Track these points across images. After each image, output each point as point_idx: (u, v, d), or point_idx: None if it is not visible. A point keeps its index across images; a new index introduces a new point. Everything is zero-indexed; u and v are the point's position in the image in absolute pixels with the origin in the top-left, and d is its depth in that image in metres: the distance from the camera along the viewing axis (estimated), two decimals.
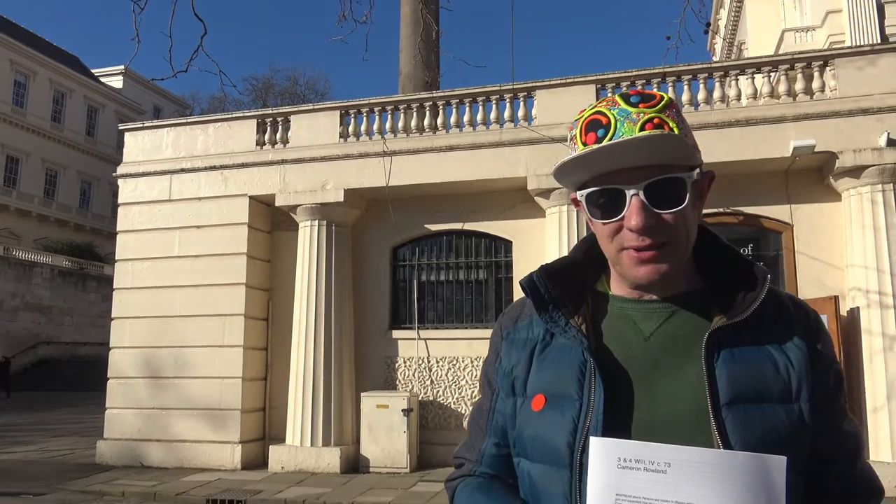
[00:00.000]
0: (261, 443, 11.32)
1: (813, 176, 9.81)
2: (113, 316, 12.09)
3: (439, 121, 11.05)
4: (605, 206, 1.13)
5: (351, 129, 11.37)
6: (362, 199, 11.35)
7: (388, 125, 11.20)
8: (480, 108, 10.87)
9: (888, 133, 8.92)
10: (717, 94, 9.92)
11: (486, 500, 1.21)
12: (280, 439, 10.96)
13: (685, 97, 10.03)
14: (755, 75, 9.95)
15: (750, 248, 10.13)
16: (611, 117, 1.10)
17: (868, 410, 8.75)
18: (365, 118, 11.38)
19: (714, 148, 9.57)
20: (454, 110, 11.03)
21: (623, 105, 1.11)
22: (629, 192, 1.10)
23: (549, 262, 1.28)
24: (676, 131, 1.10)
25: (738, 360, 1.11)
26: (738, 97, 9.89)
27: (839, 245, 9.53)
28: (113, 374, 11.81)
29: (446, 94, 11.17)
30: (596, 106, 1.15)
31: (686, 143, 1.11)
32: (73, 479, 10.29)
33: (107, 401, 11.80)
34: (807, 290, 9.60)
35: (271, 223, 12.04)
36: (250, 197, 11.51)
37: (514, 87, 10.67)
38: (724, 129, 9.59)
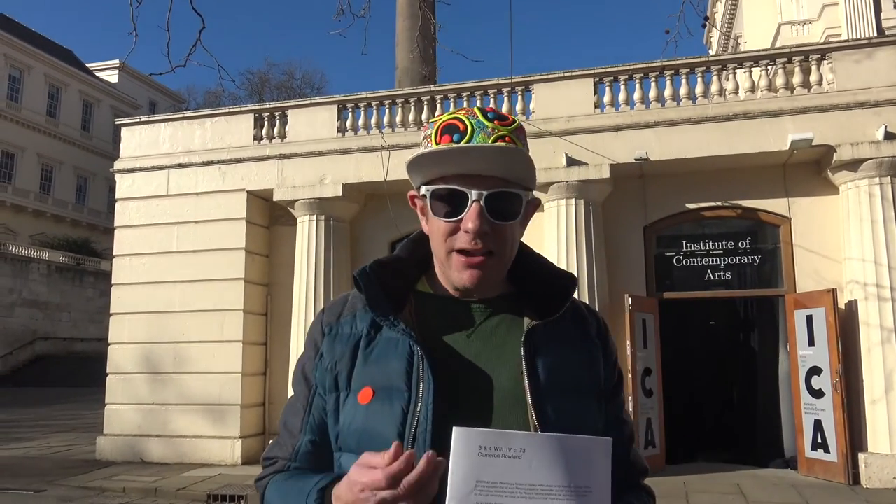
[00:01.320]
0: (261, 438, 11.33)
1: (811, 169, 9.83)
2: (111, 311, 12.08)
3: (437, 114, 11.01)
4: (447, 205, 1.21)
5: (349, 123, 11.35)
6: (361, 194, 11.35)
7: (385, 119, 11.19)
8: (478, 102, 10.86)
9: (885, 126, 8.94)
10: (714, 87, 9.93)
11: (300, 480, 1.20)
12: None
13: (683, 91, 10.03)
14: (753, 69, 9.95)
15: (748, 242, 10.16)
16: (468, 125, 1.19)
17: (866, 403, 8.79)
18: (363, 112, 11.36)
19: (712, 142, 9.60)
20: (452, 105, 11.03)
21: (480, 117, 1.20)
22: (472, 196, 1.18)
23: (379, 258, 1.33)
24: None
25: (551, 355, 1.23)
26: (736, 91, 9.90)
27: (837, 238, 9.56)
28: (112, 370, 11.81)
29: (444, 88, 11.17)
30: (454, 113, 1.23)
31: (531, 164, 1.22)
32: (73, 475, 10.30)
33: (106, 396, 11.81)
34: (805, 283, 9.64)
35: (269, 218, 12.03)
36: (248, 192, 11.50)
37: (512, 81, 10.67)
38: (722, 123, 9.61)
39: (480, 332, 1.25)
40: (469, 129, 1.18)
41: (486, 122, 1.19)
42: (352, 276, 1.30)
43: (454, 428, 1.01)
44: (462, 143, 1.17)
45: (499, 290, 1.29)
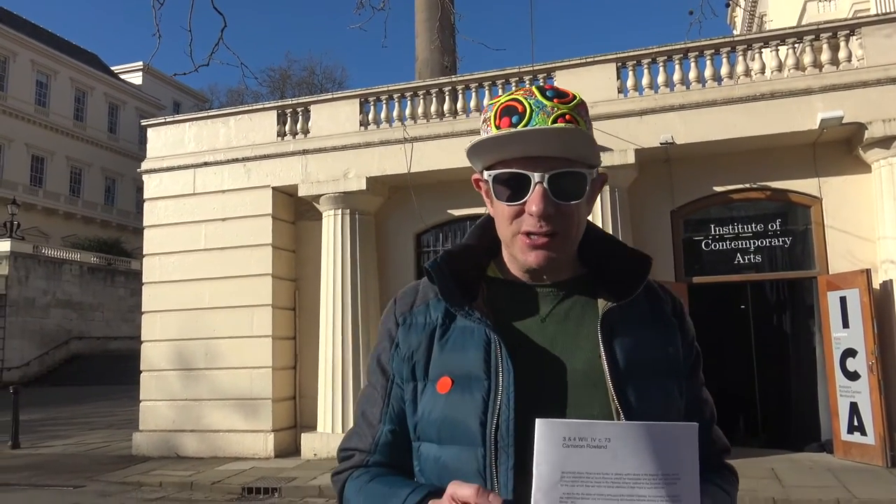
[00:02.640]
0: (293, 431, 11.45)
1: (841, 148, 9.64)
2: (143, 310, 12.26)
3: (459, 105, 11.01)
4: (510, 189, 1.19)
5: (371, 116, 11.37)
6: (384, 187, 11.37)
7: (407, 112, 11.18)
8: (500, 91, 10.81)
9: None
10: (740, 67, 9.77)
11: (386, 487, 1.20)
12: (311, 427, 11.07)
13: (708, 72, 9.88)
14: (779, 47, 9.78)
15: (778, 224, 10.00)
16: (526, 106, 1.17)
17: None
18: (384, 105, 11.37)
19: (738, 123, 9.45)
20: (473, 94, 10.99)
21: (539, 97, 1.18)
22: (535, 179, 1.16)
23: (449, 248, 1.32)
24: (584, 128, 1.18)
25: (628, 336, 1.21)
26: (763, 70, 9.73)
27: (870, 217, 9.37)
28: (146, 367, 12.00)
29: (465, 78, 11.13)
30: (512, 94, 1.20)
31: (593, 141, 1.19)
32: (110, 471, 10.50)
33: (141, 393, 12.01)
34: (837, 264, 9.47)
35: (295, 213, 12.11)
36: (273, 188, 11.58)
37: (534, 68, 10.60)
38: (749, 104, 9.45)
39: (554, 316, 1.24)
40: (528, 110, 1.16)
41: (545, 101, 1.17)
42: (423, 268, 1.30)
43: (537, 420, 1.01)
44: (521, 126, 1.15)
45: (570, 272, 1.28)
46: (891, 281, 8.86)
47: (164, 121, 13.02)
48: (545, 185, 1.16)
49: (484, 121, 1.22)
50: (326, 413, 10.71)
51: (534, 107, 1.16)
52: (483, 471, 1.12)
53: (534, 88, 1.20)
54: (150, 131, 12.81)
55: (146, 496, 9.10)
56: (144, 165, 12.58)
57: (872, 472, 8.34)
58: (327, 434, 10.63)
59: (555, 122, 1.15)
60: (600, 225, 9.71)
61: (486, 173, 1.23)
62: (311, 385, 11.32)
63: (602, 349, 1.18)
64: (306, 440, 10.80)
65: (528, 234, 1.19)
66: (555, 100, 1.17)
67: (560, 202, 1.17)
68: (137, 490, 9.46)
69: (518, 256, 1.22)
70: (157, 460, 11.19)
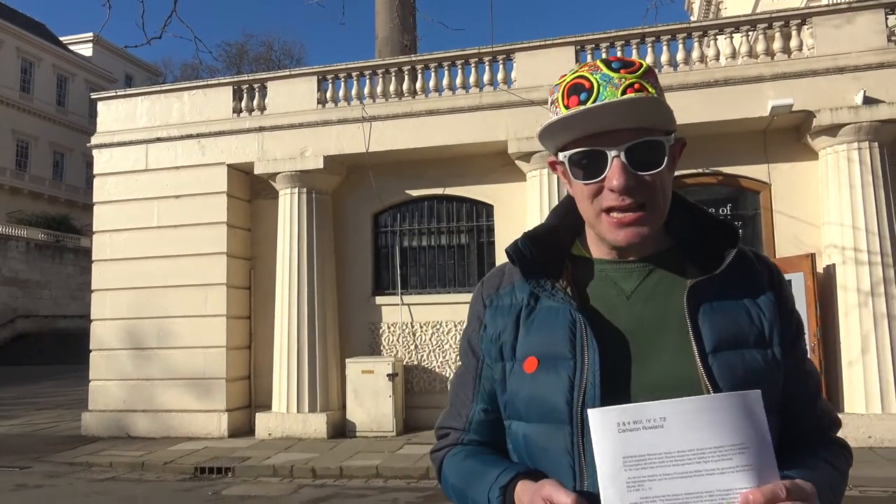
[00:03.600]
0: (247, 411, 11.38)
1: (790, 135, 9.89)
2: (93, 288, 11.99)
3: (418, 85, 10.95)
4: (586, 168, 1.16)
5: (329, 94, 11.24)
6: (342, 166, 11.28)
7: (366, 90, 11.09)
8: (460, 71, 10.78)
9: (864, 91, 8.99)
10: (695, 54, 9.92)
11: (481, 465, 1.23)
12: (266, 407, 11.02)
13: (664, 58, 10.01)
14: (733, 35, 9.94)
15: (728, 208, 10.23)
16: (593, 81, 1.13)
17: (843, 364, 8.96)
18: (343, 84, 11.25)
19: (693, 108, 9.60)
20: (433, 74, 10.94)
21: (605, 70, 1.14)
22: (611, 154, 1.13)
23: (529, 229, 1.32)
24: (655, 95, 1.14)
25: (716, 311, 1.18)
26: (717, 57, 9.89)
27: (816, 203, 9.66)
28: (95, 346, 11.77)
29: (424, 57, 11.07)
30: (577, 71, 1.18)
31: (666, 107, 1.15)
32: (59, 452, 10.31)
33: (90, 373, 11.77)
34: (784, 248, 9.75)
35: (251, 191, 11.94)
36: (228, 165, 11.40)
37: (494, 49, 10.59)
38: (703, 90, 9.62)
39: (640, 292, 1.22)
40: (595, 85, 1.13)
41: (612, 74, 1.14)
42: (505, 252, 1.29)
43: (588, 411, 1.02)
44: (590, 103, 1.12)
45: (656, 246, 1.25)
46: (833, 265, 9.17)
47: (115, 94, 12.66)
48: (622, 157, 1.13)
49: (552, 102, 1.20)
50: (281, 393, 10.66)
51: (600, 81, 1.13)
52: (571, 449, 1.13)
53: (598, 62, 1.17)
54: (100, 105, 12.46)
55: (96, 476, 8.96)
56: (94, 140, 12.25)
57: None
58: (282, 414, 10.60)
59: (623, 93, 1.12)
60: (557, 201, 9.83)
61: (560, 155, 1.20)
62: (265, 365, 11.25)
63: (689, 325, 1.16)
64: (261, 420, 10.75)
65: (610, 210, 1.16)
66: (621, 70, 1.14)
67: (640, 173, 1.14)
68: (87, 470, 9.31)
69: (607, 236, 1.19)
70: (108, 440, 11.02)
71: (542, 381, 1.18)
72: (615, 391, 1.11)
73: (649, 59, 10.03)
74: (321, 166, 10.84)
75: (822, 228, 9.55)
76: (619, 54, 10.12)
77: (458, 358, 11.01)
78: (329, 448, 9.70)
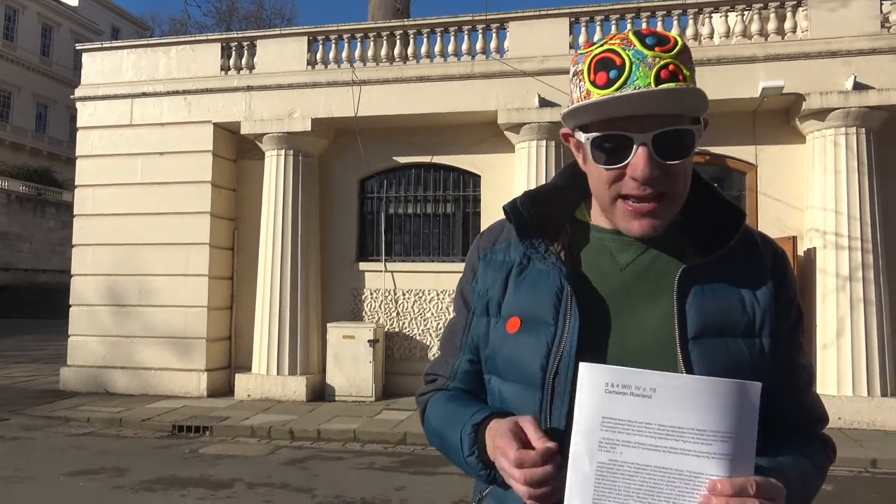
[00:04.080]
0: (227, 371, 11.40)
1: (779, 117, 9.90)
2: (74, 243, 11.89)
3: (409, 50, 10.83)
4: (609, 152, 1.10)
5: (319, 56, 11.09)
6: (330, 130, 11.18)
7: (357, 53, 10.95)
8: (452, 38, 10.66)
9: (855, 76, 9.01)
10: (689, 31, 9.86)
11: (460, 407, 1.24)
12: (246, 368, 11.04)
13: None
14: (729, 13, 9.89)
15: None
16: (625, 58, 1.06)
17: (818, 347, 9.10)
18: (333, 45, 11.09)
19: None
20: (425, 40, 10.82)
21: (638, 46, 1.07)
22: (637, 141, 1.08)
23: (532, 188, 1.29)
24: (689, 79, 1.09)
25: (707, 296, 1.14)
26: (711, 35, 9.85)
27: (800, 186, 9.72)
28: (75, 302, 11.70)
29: (417, 22, 10.93)
30: (607, 42, 1.10)
31: (702, 95, 1.09)
32: (36, 405, 10.30)
33: (70, 328, 11.72)
34: (767, 230, 9.73)
35: (237, 151, 11.82)
36: (215, 124, 11.26)
37: (487, 17, 10.47)
38: (696, 68, 9.54)
39: (636, 266, 1.18)
40: (626, 62, 1.05)
41: (645, 51, 1.06)
42: (502, 209, 1.26)
43: (580, 364, 1.00)
44: (619, 83, 1.05)
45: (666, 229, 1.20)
46: (814, 249, 9.26)
47: (100, 46, 12.41)
48: (650, 146, 1.07)
49: (575, 73, 1.12)
50: (262, 354, 10.68)
51: (633, 59, 1.05)
52: (539, 413, 1.13)
53: (631, 35, 1.09)
54: (85, 56, 12.21)
55: (73, 431, 8.97)
56: (78, 92, 12.04)
57: None
58: (262, 375, 10.63)
59: (657, 74, 1.04)
60: (545, 180, 9.82)
61: (582, 135, 1.13)
62: (247, 326, 11.24)
63: (675, 307, 1.12)
64: (240, 381, 10.78)
65: (627, 197, 1.11)
66: (656, 48, 1.06)
67: (666, 162, 1.09)
68: (64, 425, 9.32)
69: (620, 224, 1.15)
70: (86, 396, 11.01)
71: (522, 343, 1.17)
72: (589, 362, 1.10)
73: None
74: (309, 129, 10.73)
75: (805, 212, 9.62)
76: (613, 28, 10.05)
77: (439, 327, 11.14)
78: (308, 411, 9.75)
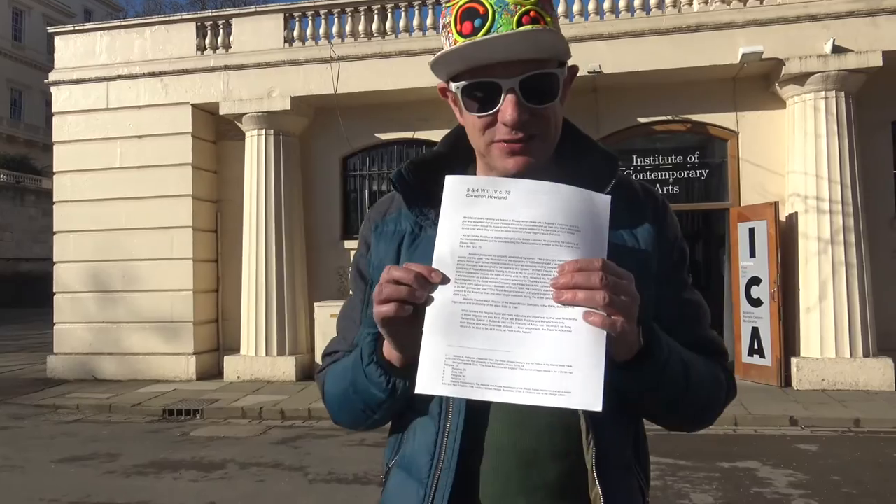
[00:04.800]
0: (215, 354, 11.39)
1: (759, 83, 9.91)
2: (55, 230, 11.77)
3: (388, 25, 10.71)
4: (480, 99, 1.15)
5: (296, 33, 10.95)
6: (310, 108, 11.08)
7: (335, 30, 10.82)
8: (430, 12, 10.54)
9: (834, 40, 9.01)
10: None
11: (347, 359, 1.25)
12: (234, 350, 11.03)
13: (637, 2, 9.88)
14: None
15: (697, 156, 10.30)
16: (487, 7, 1.10)
17: (801, 311, 9.21)
18: (311, 22, 10.96)
19: (664, 54, 9.56)
20: (403, 14, 10.70)
21: None
22: (505, 86, 1.12)
23: (417, 156, 1.30)
24: (551, 24, 1.12)
25: None
26: (690, 2, 9.80)
27: (782, 152, 9.76)
28: (59, 289, 11.61)
29: None
30: None
31: (561, 38, 1.14)
32: (25, 394, 10.27)
33: (55, 316, 11.64)
34: (749, 196, 9.88)
35: (216, 133, 11.70)
36: (193, 105, 11.12)
37: None
38: (675, 35, 9.55)
39: None
40: (489, 11, 1.09)
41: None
42: (388, 179, 1.27)
43: (447, 177, 1.07)
44: (484, 30, 1.09)
45: (543, 175, 1.20)
46: (796, 213, 9.32)
47: (73, 29, 12.20)
48: (517, 90, 1.12)
49: (444, 26, 1.16)
50: (249, 336, 10.67)
51: (495, 7, 1.09)
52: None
53: None
54: (58, 40, 12.00)
55: (63, 418, 8.96)
56: (52, 77, 11.84)
57: (768, 392, 8.97)
58: (250, 357, 10.63)
59: (519, 20, 1.09)
60: None
61: (452, 85, 1.18)
62: (233, 308, 11.21)
63: None
64: (229, 363, 10.77)
65: (502, 140, 1.16)
66: None
67: (534, 106, 1.13)
68: (53, 412, 9.30)
69: (497, 164, 1.18)
70: (74, 383, 10.98)
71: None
72: None
73: (622, 3, 9.90)
74: (288, 107, 10.62)
75: (786, 177, 9.67)
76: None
77: None
78: (298, 390, 9.78)
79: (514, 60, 1.11)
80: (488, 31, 1.09)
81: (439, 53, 1.13)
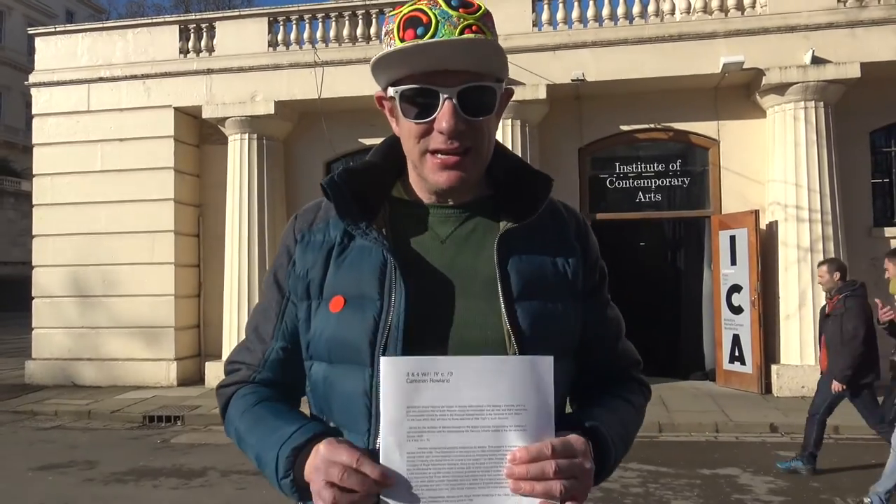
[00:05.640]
0: (196, 360, 11.30)
1: (740, 93, 10.02)
2: (34, 233, 11.63)
3: (372, 30, 10.72)
4: (418, 106, 1.14)
5: (280, 37, 10.93)
6: (294, 112, 11.05)
7: (319, 34, 10.81)
8: None
9: (813, 50, 9.13)
10: (651, 7, 9.91)
11: (270, 415, 1.20)
12: (216, 356, 10.95)
13: (620, 10, 9.97)
14: None
15: (678, 164, 10.39)
16: (431, 16, 1.11)
17: (781, 318, 9.31)
18: (295, 26, 10.94)
19: (646, 63, 9.64)
20: (375, 58, 10.68)
21: (444, 6, 1.12)
22: (443, 95, 1.12)
23: (350, 164, 1.28)
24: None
25: (524, 260, 1.20)
26: (673, 12, 9.90)
27: (762, 161, 9.86)
28: (38, 294, 11.47)
29: (379, 1, 10.79)
30: (415, 3, 1.14)
31: (501, 53, 1.15)
32: (2, 400, 10.12)
33: (33, 320, 11.50)
34: (730, 204, 9.97)
35: (199, 136, 11.64)
36: (175, 108, 11.06)
37: None
38: (658, 44, 9.63)
39: (455, 237, 1.22)
40: (433, 20, 1.10)
41: (451, 11, 1.11)
42: (320, 185, 1.24)
43: (381, 358, 1.02)
44: (426, 38, 1.09)
45: (475, 193, 1.25)
46: (776, 222, 9.43)
47: (54, 30, 12.10)
48: (455, 100, 1.12)
49: (386, 33, 1.16)
50: (232, 342, 10.59)
51: (439, 17, 1.10)
52: (369, 391, 1.11)
53: None
54: (38, 41, 11.89)
55: (41, 425, 8.85)
56: (32, 78, 11.73)
57: (748, 399, 9.04)
58: None
59: (461, 33, 1.09)
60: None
61: (391, 90, 1.17)
62: (215, 313, 11.14)
63: (497, 270, 1.17)
64: (211, 369, 10.69)
65: (436, 152, 1.15)
66: (460, 9, 1.12)
67: (470, 118, 1.13)
68: (31, 419, 9.18)
69: (428, 177, 1.18)
70: (53, 389, 10.85)
71: (347, 322, 1.15)
72: (420, 335, 1.11)
73: (605, 11, 9.99)
74: (272, 112, 10.59)
75: (766, 185, 9.77)
76: (576, 5, 10.06)
77: None
78: None
79: (453, 70, 1.12)
80: (431, 38, 1.09)
81: (382, 53, 1.13)
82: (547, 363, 1.03)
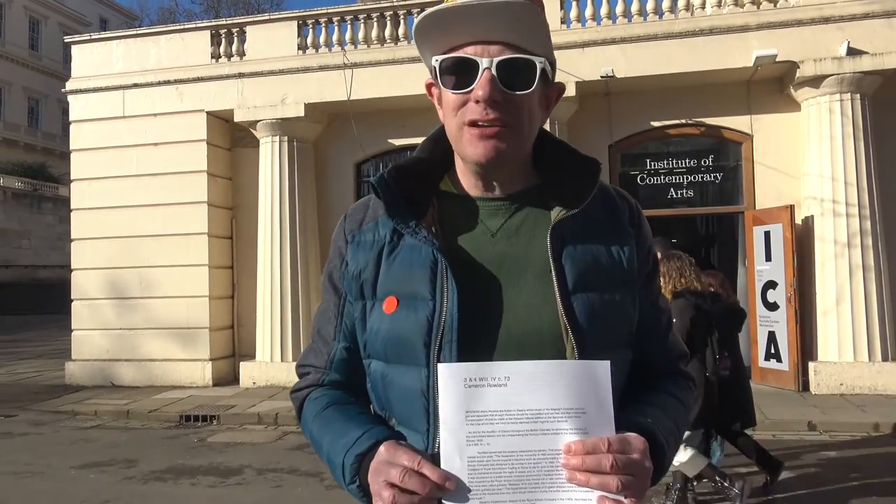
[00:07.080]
0: (231, 360, 11.45)
1: (774, 86, 9.86)
2: (72, 237, 11.90)
3: (401, 31, 10.76)
4: (457, 76, 1.14)
5: (309, 40, 11.03)
6: (324, 114, 11.13)
7: (347, 36, 10.88)
8: None
9: (848, 42, 8.95)
10: (681, 2, 9.78)
11: (341, 420, 1.20)
12: (250, 356, 11.09)
13: (650, 6, 9.87)
14: None
15: (711, 160, 10.26)
16: None
17: (818, 314, 9.14)
18: (324, 29, 11.03)
19: (677, 58, 9.54)
20: (415, 20, 10.73)
21: None
22: (482, 65, 1.11)
23: (398, 161, 1.28)
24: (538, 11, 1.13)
25: (578, 250, 1.18)
26: (703, 5, 9.78)
27: (797, 155, 9.70)
28: (77, 296, 11.73)
29: (407, 3, 10.83)
30: None
31: (545, 24, 1.13)
32: (43, 400, 10.36)
33: (73, 322, 11.76)
34: (764, 199, 9.82)
35: (231, 140, 11.79)
36: (208, 112, 11.21)
37: None
38: (688, 39, 9.52)
39: (505, 230, 1.20)
40: None
41: None
42: (369, 184, 1.24)
43: (438, 365, 1.03)
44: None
45: (523, 183, 1.24)
46: (812, 216, 9.26)
47: (89, 38, 12.34)
48: (493, 70, 1.11)
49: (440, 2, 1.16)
50: (265, 342, 10.72)
51: None
52: (426, 391, 1.12)
53: None
54: (74, 49, 12.15)
55: (81, 424, 9.04)
56: (69, 86, 11.98)
57: (785, 396, 8.90)
58: (266, 363, 10.68)
59: None
60: None
61: (433, 60, 1.17)
62: (249, 314, 11.28)
63: (552, 263, 1.15)
64: (245, 369, 10.83)
65: (474, 123, 1.13)
66: None
67: (508, 91, 1.12)
68: (72, 419, 9.38)
69: (467, 152, 1.16)
70: (92, 389, 11.08)
71: (401, 323, 1.15)
72: (475, 334, 1.11)
73: (634, 7, 9.88)
74: (302, 114, 10.69)
75: (801, 180, 9.60)
76: (604, 2, 9.99)
77: None
78: None
79: (496, 42, 1.12)
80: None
81: (422, 14, 1.13)
82: (604, 367, 1.02)
